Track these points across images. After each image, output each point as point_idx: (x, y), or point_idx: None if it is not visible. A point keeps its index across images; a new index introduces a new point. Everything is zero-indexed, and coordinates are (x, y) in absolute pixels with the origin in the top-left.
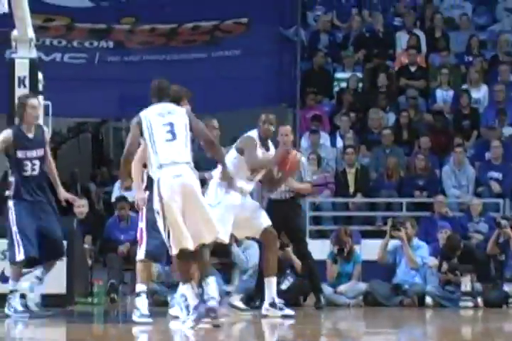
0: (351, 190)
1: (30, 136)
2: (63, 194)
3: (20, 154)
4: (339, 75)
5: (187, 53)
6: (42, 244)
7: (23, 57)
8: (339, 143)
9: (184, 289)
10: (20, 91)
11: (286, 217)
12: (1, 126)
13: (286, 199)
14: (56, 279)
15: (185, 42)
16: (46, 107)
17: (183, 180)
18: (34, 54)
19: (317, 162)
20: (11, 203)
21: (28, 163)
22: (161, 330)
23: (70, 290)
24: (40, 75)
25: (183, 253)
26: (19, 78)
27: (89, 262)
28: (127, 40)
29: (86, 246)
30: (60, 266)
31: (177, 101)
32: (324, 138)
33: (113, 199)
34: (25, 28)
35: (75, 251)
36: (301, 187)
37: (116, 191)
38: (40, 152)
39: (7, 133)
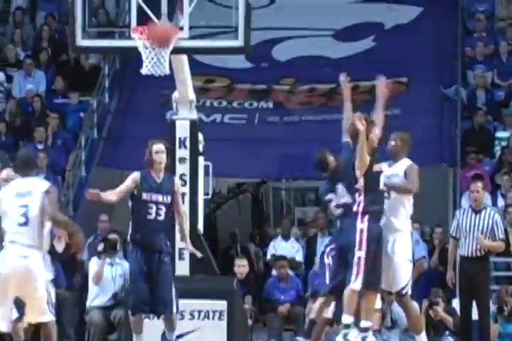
0: None
1: (158, 180)
2: (189, 247)
3: (145, 196)
4: (500, 134)
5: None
6: (150, 297)
7: (183, 119)
8: (500, 202)
9: None
10: (180, 153)
11: (475, 275)
12: None
13: (478, 256)
14: (217, 339)
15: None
16: (206, 168)
17: None
18: (194, 115)
19: None
20: (130, 247)
21: (153, 206)
22: None
23: None
24: (200, 136)
25: None
26: (180, 139)
27: (250, 322)
28: (286, 101)
29: (246, 306)
30: (221, 326)
31: None
32: (485, 197)
33: (268, 257)
34: (185, 89)
35: (235, 311)
36: (494, 245)
37: (272, 249)
38: (167, 198)
39: (136, 174)
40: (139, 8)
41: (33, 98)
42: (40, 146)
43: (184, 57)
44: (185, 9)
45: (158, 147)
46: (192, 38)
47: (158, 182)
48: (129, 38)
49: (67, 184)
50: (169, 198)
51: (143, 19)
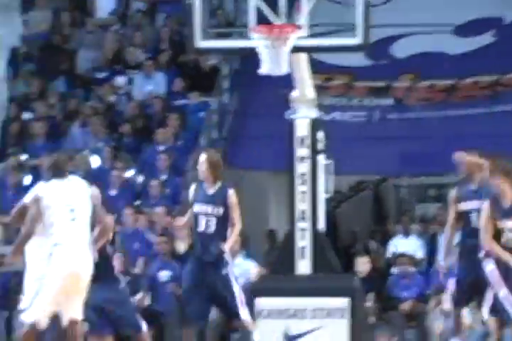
0: None
1: (211, 191)
2: (226, 249)
3: (196, 208)
4: None
5: (466, 109)
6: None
7: (303, 117)
8: None
9: None
10: (300, 151)
11: None
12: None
13: None
14: (339, 338)
15: (464, 97)
16: (328, 166)
17: None
18: (314, 114)
19: None
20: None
21: (203, 218)
22: None
23: None
24: (320, 134)
25: None
26: (299, 138)
27: (372, 320)
28: (406, 97)
29: (368, 303)
30: (343, 324)
31: None
32: None
33: (389, 255)
34: (304, 88)
35: (358, 309)
36: None
37: (392, 247)
38: (218, 211)
39: (192, 186)
40: (258, 8)
41: (153, 100)
42: (161, 148)
43: (303, 56)
44: (303, 8)
45: (201, 158)
46: (311, 36)
47: (210, 193)
48: (248, 38)
49: (187, 185)
50: (221, 211)
51: (261, 19)
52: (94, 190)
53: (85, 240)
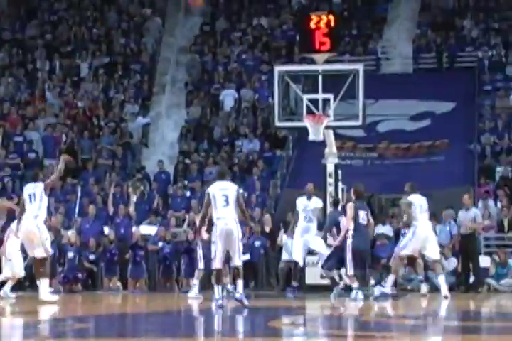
0: None
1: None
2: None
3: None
4: None
5: (416, 159)
6: None
7: (330, 162)
8: None
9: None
10: (329, 180)
11: None
12: None
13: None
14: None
15: (414, 153)
16: (343, 188)
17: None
18: (336, 160)
19: None
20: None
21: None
22: None
23: None
24: (339, 171)
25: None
26: (328, 173)
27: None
28: (384, 153)
29: None
30: None
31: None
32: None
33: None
34: (331, 147)
35: None
36: None
37: (377, 230)
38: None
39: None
40: (307, 106)
41: (253, 154)
42: (257, 181)
43: (330, 131)
44: (331, 107)
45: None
46: (334, 120)
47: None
48: (302, 121)
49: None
50: None
51: (309, 111)
52: None
53: None
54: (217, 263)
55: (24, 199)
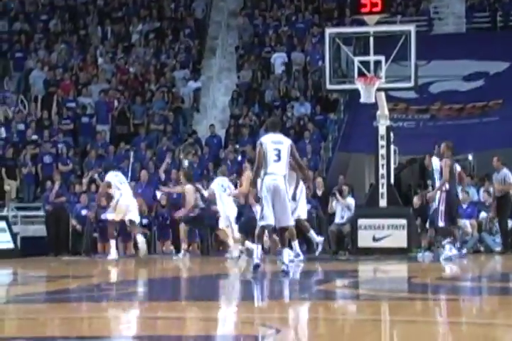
0: None
1: None
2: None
3: None
4: None
5: (468, 120)
6: None
7: (382, 124)
8: None
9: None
10: (381, 142)
11: None
12: None
13: None
14: (402, 240)
15: (468, 114)
16: (395, 150)
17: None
18: (388, 123)
19: None
20: None
21: None
22: None
23: None
24: (391, 134)
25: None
26: (380, 135)
27: (418, 231)
28: (437, 114)
29: (417, 222)
30: (403, 234)
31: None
32: None
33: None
34: (383, 109)
35: (411, 225)
36: None
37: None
38: None
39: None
40: (359, 67)
41: (304, 117)
42: (307, 141)
43: (382, 93)
44: (383, 69)
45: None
46: (386, 82)
47: None
48: (354, 83)
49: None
50: None
51: (360, 72)
52: None
53: None
54: (269, 219)
55: None
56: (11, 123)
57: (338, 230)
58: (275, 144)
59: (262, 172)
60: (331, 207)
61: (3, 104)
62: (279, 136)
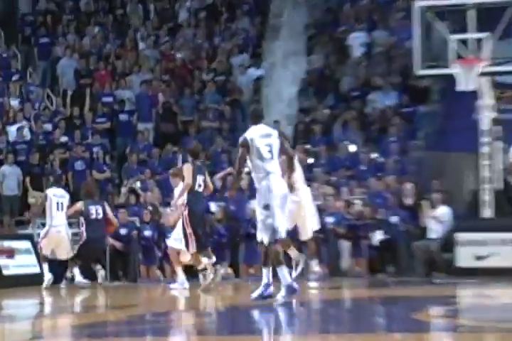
0: None
1: None
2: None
3: None
4: None
5: None
6: None
7: (486, 117)
8: None
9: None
10: (483, 139)
11: None
12: None
13: None
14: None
15: None
16: (504, 148)
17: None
18: (493, 115)
19: None
20: None
21: None
22: None
23: None
24: (497, 128)
25: None
26: (483, 130)
27: None
28: None
29: None
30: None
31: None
32: None
33: None
34: (486, 98)
35: None
36: None
37: None
38: None
39: None
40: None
41: (389, 109)
42: (393, 138)
43: (486, 79)
44: (486, 50)
45: None
46: (490, 65)
47: None
48: (449, 67)
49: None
50: None
51: (458, 53)
52: None
53: None
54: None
55: None
56: (36, 122)
57: (426, 247)
58: (265, 138)
59: (261, 175)
60: (422, 220)
61: (26, 100)
62: (265, 128)
